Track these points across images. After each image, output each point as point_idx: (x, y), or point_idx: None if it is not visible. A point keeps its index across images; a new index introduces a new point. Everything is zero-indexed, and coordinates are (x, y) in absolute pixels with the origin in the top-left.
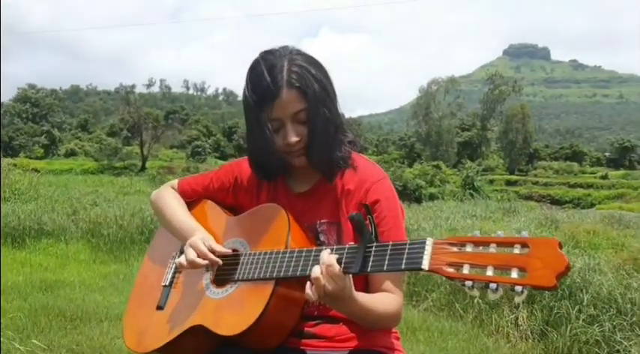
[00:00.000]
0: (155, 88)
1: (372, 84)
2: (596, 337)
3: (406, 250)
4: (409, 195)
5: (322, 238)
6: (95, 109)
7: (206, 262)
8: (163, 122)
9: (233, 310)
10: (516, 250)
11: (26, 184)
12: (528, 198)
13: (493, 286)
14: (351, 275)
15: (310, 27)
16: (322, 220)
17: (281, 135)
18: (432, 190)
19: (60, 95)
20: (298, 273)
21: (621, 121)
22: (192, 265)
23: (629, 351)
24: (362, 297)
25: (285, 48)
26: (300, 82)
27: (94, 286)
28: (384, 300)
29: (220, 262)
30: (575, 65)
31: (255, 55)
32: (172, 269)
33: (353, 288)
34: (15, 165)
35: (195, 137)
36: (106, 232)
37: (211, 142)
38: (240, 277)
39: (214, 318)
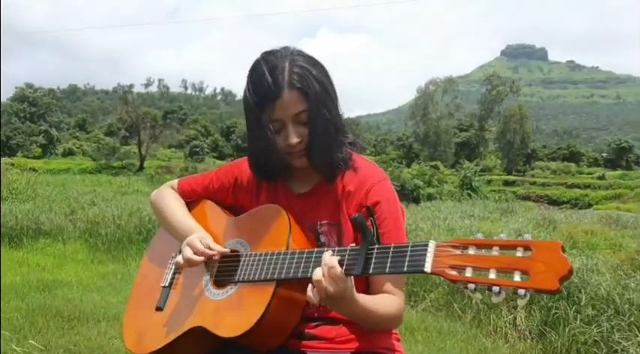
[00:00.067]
0: (153, 88)
1: (370, 84)
2: (595, 338)
3: (408, 253)
4: (407, 195)
5: (323, 239)
6: (93, 108)
7: (202, 258)
8: (161, 122)
9: (233, 312)
10: (519, 253)
11: (24, 183)
12: (526, 198)
13: (496, 289)
14: (352, 277)
15: (309, 27)
16: (322, 221)
17: (282, 136)
18: (430, 190)
19: (58, 95)
20: (299, 275)
21: (618, 121)
22: (188, 262)
23: (628, 351)
24: (363, 299)
25: (286, 48)
26: (302, 83)
27: (92, 286)
28: (385, 301)
29: (216, 253)
30: (573, 66)
31: (254, 55)
32: (172, 270)
33: (354, 290)
34: (12, 164)
35: (194, 137)
36: (104, 231)
37: (209, 141)
38: (240, 279)
39: (214, 319)
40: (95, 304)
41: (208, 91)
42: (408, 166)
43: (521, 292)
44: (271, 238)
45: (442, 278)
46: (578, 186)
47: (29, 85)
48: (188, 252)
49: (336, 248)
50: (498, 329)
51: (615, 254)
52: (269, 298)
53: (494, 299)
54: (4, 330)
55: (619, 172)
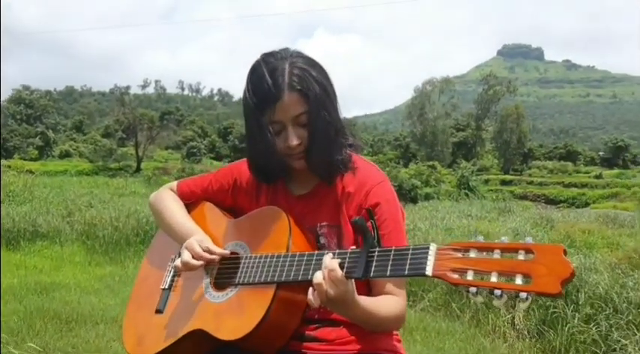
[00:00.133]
0: (150, 89)
1: (366, 84)
2: (593, 337)
3: (409, 256)
4: (405, 195)
5: (322, 241)
6: (90, 110)
7: (200, 262)
8: (158, 123)
9: (234, 315)
10: (521, 256)
11: (21, 185)
12: (523, 198)
13: (498, 292)
14: (353, 280)
15: (305, 28)
16: (322, 223)
17: (282, 138)
18: (428, 190)
19: (54, 96)
20: (300, 277)
21: (615, 120)
22: (186, 266)
23: (626, 350)
24: (364, 301)
25: (285, 50)
26: (302, 84)
27: (90, 289)
28: (387, 303)
29: (217, 257)
30: (569, 65)
31: (251, 55)
32: (171, 272)
33: (355, 292)
34: (9, 166)
35: (191, 138)
36: (101, 233)
37: (206, 142)
38: (240, 281)
39: (215, 322)
40: (93, 307)
41: (205, 92)
42: (406, 166)
43: (523, 295)
44: (271, 241)
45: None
46: (575, 185)
47: (26, 87)
48: (186, 256)
49: (337, 251)
50: (497, 329)
51: (613, 253)
52: (269, 301)
53: (496, 302)
54: (2, 333)
55: (616, 170)
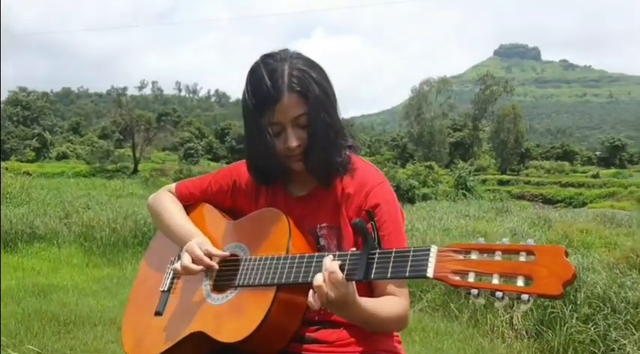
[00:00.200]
0: (147, 91)
1: (364, 85)
2: (592, 337)
3: (410, 258)
4: (402, 195)
5: (322, 242)
6: (87, 111)
7: (200, 267)
8: (155, 124)
9: (234, 317)
10: (522, 258)
11: (18, 187)
12: (520, 197)
13: (499, 294)
14: (354, 282)
15: (303, 28)
16: (322, 225)
17: (281, 139)
18: (425, 190)
19: (51, 98)
20: (300, 279)
21: (611, 120)
22: (186, 270)
23: (625, 349)
24: (366, 302)
25: (285, 51)
26: (301, 86)
27: (88, 290)
28: (389, 304)
29: (216, 266)
30: (566, 65)
31: (248, 56)
32: (170, 274)
33: (356, 294)
34: (6, 169)
35: (188, 139)
36: (99, 235)
37: (204, 144)
38: (240, 283)
39: (215, 324)
40: (91, 308)
41: (202, 93)
42: (403, 166)
43: (525, 297)
44: (271, 242)
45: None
46: (572, 185)
47: (22, 89)
48: (187, 260)
49: (337, 253)
50: (495, 329)
51: (610, 252)
52: (269, 303)
53: (497, 304)
54: (1, 335)
55: (612, 170)
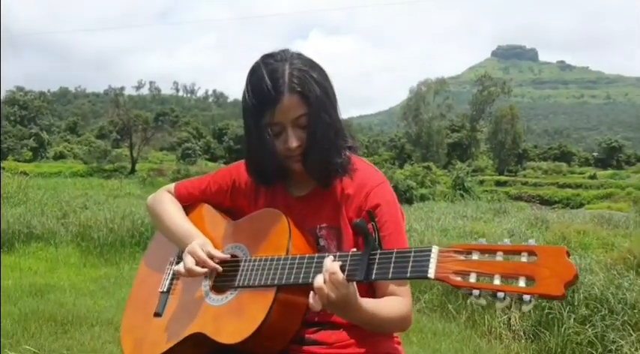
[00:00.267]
0: (144, 90)
1: (362, 85)
2: (589, 338)
3: (411, 258)
4: (400, 196)
5: (322, 243)
6: (84, 111)
7: (205, 270)
8: (153, 124)
9: (234, 318)
10: (523, 259)
11: (15, 187)
12: (518, 198)
13: (501, 295)
14: (355, 282)
15: (301, 29)
16: (322, 225)
17: (281, 140)
18: (423, 191)
19: (48, 98)
20: (300, 280)
21: (608, 121)
22: (190, 273)
23: (622, 350)
24: (367, 303)
25: (285, 51)
26: (302, 86)
27: (85, 290)
28: (391, 304)
29: (220, 268)
30: (563, 66)
31: (246, 56)
32: (170, 275)
33: (358, 295)
34: (3, 168)
35: (185, 139)
36: (96, 235)
37: (201, 144)
38: (240, 284)
39: (214, 326)
40: (88, 309)
41: (200, 93)
42: (401, 167)
43: (527, 297)
44: (271, 243)
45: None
46: (569, 186)
47: (19, 88)
48: (190, 262)
49: (338, 253)
50: (493, 330)
51: (608, 253)
52: (270, 304)
53: (499, 305)
54: None
55: (610, 171)
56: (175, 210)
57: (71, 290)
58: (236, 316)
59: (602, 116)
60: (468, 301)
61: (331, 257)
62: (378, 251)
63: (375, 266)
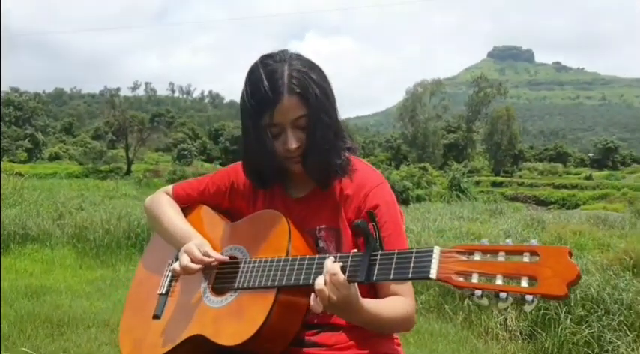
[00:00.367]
0: (140, 91)
1: (358, 86)
2: (585, 338)
3: (413, 259)
4: (396, 197)
5: (321, 244)
6: (79, 112)
7: (199, 266)
8: (149, 125)
9: (234, 319)
10: (525, 259)
11: (10, 188)
12: (514, 199)
13: (503, 295)
14: (356, 283)
15: (297, 30)
16: (321, 226)
17: (280, 141)
18: (419, 191)
19: (43, 98)
20: (301, 281)
21: (604, 122)
22: (185, 270)
23: (618, 350)
24: (369, 303)
25: (284, 52)
26: (301, 87)
27: (81, 292)
28: (393, 304)
29: (214, 260)
30: (559, 67)
31: (242, 57)
32: (168, 277)
33: (359, 295)
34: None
35: (181, 140)
36: (92, 236)
37: (197, 145)
38: (240, 286)
39: (214, 327)
40: (84, 310)
41: (196, 94)
42: (397, 167)
43: (529, 297)
44: (270, 244)
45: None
46: (565, 186)
47: (14, 89)
48: (185, 260)
49: (339, 254)
50: (489, 330)
51: (604, 254)
52: (270, 305)
53: (501, 305)
54: None
55: (605, 172)
56: (173, 212)
57: (67, 292)
58: (236, 318)
59: (597, 117)
60: (466, 301)
61: (332, 258)
62: (379, 252)
63: (377, 267)
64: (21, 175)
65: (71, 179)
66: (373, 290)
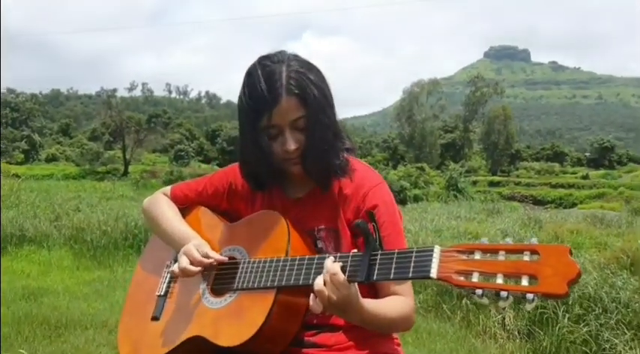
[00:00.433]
0: (137, 92)
1: (355, 86)
2: (583, 337)
3: (413, 258)
4: (394, 197)
5: (320, 244)
6: (76, 113)
7: (199, 268)
8: (146, 126)
9: (233, 320)
10: (526, 258)
11: (7, 190)
12: (511, 198)
13: (504, 294)
14: (356, 283)
15: (294, 30)
16: (320, 227)
17: (278, 142)
18: (417, 191)
19: (40, 100)
20: (301, 282)
21: (600, 121)
22: (184, 272)
23: (616, 349)
24: (369, 303)
25: (282, 53)
26: (300, 88)
27: (78, 293)
28: (393, 303)
29: (214, 261)
30: (555, 67)
31: (239, 58)
32: (167, 278)
33: (359, 295)
34: None
35: (178, 141)
36: (89, 237)
37: (194, 145)
38: (239, 286)
39: (213, 328)
40: (82, 312)
41: (193, 95)
42: (394, 167)
43: (530, 296)
44: (269, 245)
45: (432, 280)
46: (562, 186)
47: (11, 90)
48: (184, 261)
49: (338, 254)
50: (487, 329)
51: (601, 253)
52: (270, 306)
53: (502, 304)
54: None
55: (602, 171)
56: (172, 213)
57: (65, 293)
58: (235, 319)
59: (594, 116)
60: (464, 301)
61: (332, 258)
62: (379, 252)
63: (377, 267)
64: (18, 176)
65: (68, 180)
66: (373, 290)
